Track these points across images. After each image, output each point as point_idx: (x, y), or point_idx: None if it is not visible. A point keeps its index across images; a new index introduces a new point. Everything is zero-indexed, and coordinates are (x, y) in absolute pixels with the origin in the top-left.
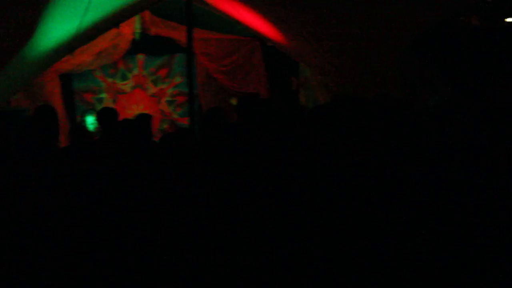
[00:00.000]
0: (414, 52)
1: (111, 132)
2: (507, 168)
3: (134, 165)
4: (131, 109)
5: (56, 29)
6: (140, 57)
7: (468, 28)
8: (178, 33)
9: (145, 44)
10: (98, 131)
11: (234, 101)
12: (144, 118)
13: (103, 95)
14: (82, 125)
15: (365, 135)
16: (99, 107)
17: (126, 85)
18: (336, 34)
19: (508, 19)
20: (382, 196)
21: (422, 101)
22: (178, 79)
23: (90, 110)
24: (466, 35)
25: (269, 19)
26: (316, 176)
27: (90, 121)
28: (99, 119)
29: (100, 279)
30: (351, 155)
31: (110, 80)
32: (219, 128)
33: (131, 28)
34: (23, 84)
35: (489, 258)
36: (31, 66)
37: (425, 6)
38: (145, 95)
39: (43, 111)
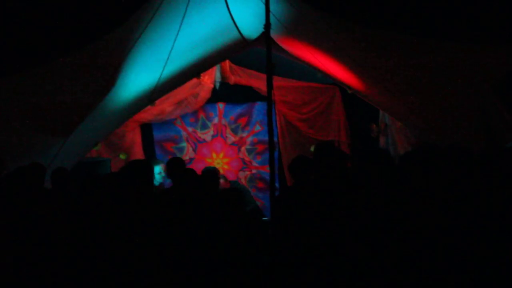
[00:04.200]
0: (495, 96)
1: (181, 182)
2: None
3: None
4: (211, 158)
5: (137, 80)
6: (220, 105)
7: None
8: (258, 82)
9: (225, 93)
10: (164, 181)
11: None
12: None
13: (183, 144)
14: None
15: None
16: (179, 156)
17: (206, 134)
18: (416, 81)
19: None
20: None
21: (503, 145)
22: (257, 127)
23: (157, 160)
24: None
25: (349, 67)
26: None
27: (157, 171)
28: (168, 169)
29: None
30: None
31: (190, 129)
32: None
33: (211, 77)
34: (105, 134)
35: None
36: (112, 117)
37: (505, 50)
38: (225, 144)
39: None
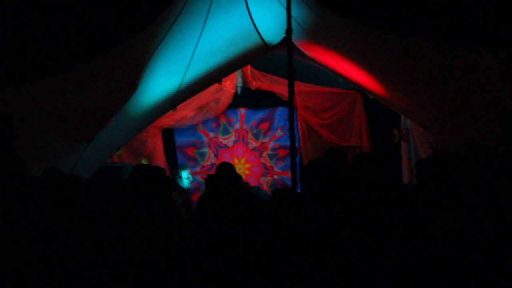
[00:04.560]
0: None
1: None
2: None
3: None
4: (233, 163)
5: (159, 85)
6: (242, 111)
7: None
8: (279, 87)
9: (247, 98)
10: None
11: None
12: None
13: (205, 150)
14: (177, 180)
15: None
16: (200, 161)
17: (228, 139)
18: (438, 87)
19: None
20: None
21: None
22: (279, 133)
23: (184, 165)
24: None
25: (370, 72)
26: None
27: (185, 175)
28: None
29: None
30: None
31: (212, 134)
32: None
33: (233, 82)
34: (126, 139)
35: None
36: (134, 122)
37: None
38: (247, 149)
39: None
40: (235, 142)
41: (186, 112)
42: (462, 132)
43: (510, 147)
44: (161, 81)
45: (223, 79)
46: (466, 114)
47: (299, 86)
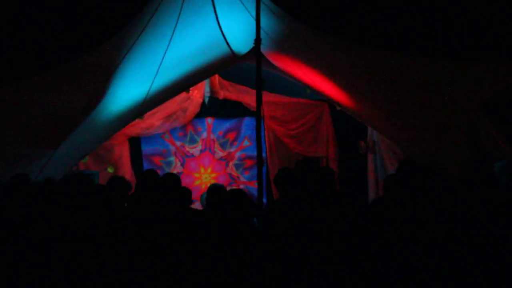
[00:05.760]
0: (483, 114)
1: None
2: None
3: None
4: (199, 173)
5: (126, 93)
6: (209, 120)
7: None
8: (247, 97)
9: (214, 108)
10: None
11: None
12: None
13: (172, 158)
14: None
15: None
16: (167, 170)
17: (195, 148)
18: (404, 99)
19: None
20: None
21: (491, 164)
22: (246, 143)
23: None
24: None
25: (338, 83)
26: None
27: None
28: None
29: None
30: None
31: (178, 143)
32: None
33: (200, 91)
34: (93, 147)
35: None
36: (100, 130)
37: (495, 69)
38: (213, 159)
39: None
40: (201, 151)
41: (153, 120)
42: (429, 145)
43: (476, 163)
44: (128, 89)
45: (191, 88)
46: (434, 127)
47: (267, 97)
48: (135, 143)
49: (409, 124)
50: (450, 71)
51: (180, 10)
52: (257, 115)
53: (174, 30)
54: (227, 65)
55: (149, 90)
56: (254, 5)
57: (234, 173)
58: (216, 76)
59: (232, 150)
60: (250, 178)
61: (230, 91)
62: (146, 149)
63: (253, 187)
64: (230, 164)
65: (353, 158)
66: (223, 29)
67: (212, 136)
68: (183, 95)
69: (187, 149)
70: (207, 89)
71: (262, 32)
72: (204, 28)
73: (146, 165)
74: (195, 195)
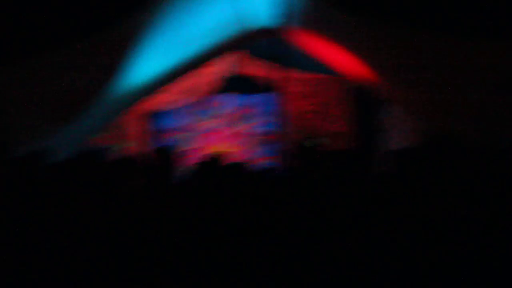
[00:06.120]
0: (497, 93)
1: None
2: None
3: None
4: (216, 148)
5: (142, 68)
6: (227, 95)
7: None
8: (267, 72)
9: (233, 83)
10: None
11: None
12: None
13: (188, 134)
14: None
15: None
16: (184, 146)
17: (212, 124)
18: (426, 77)
19: None
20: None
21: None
22: (266, 118)
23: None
24: None
25: (360, 59)
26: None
27: None
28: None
29: None
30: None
31: (195, 118)
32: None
33: (219, 66)
34: (107, 123)
35: None
36: (115, 105)
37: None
38: (231, 134)
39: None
40: (219, 126)
41: (170, 95)
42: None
43: (488, 142)
44: (145, 63)
45: (211, 63)
46: (453, 103)
47: (288, 72)
48: (151, 118)
49: (429, 100)
50: (473, 50)
51: None
52: (278, 90)
53: (196, 4)
54: (248, 41)
55: (167, 64)
56: None
57: (253, 148)
58: (238, 51)
59: (251, 125)
60: (269, 154)
61: (250, 67)
62: (162, 124)
63: (272, 162)
64: (249, 139)
65: (373, 133)
66: (247, 3)
67: (229, 111)
68: (202, 70)
69: (203, 124)
70: (226, 64)
71: (286, 7)
72: (228, 1)
73: (162, 140)
74: None
